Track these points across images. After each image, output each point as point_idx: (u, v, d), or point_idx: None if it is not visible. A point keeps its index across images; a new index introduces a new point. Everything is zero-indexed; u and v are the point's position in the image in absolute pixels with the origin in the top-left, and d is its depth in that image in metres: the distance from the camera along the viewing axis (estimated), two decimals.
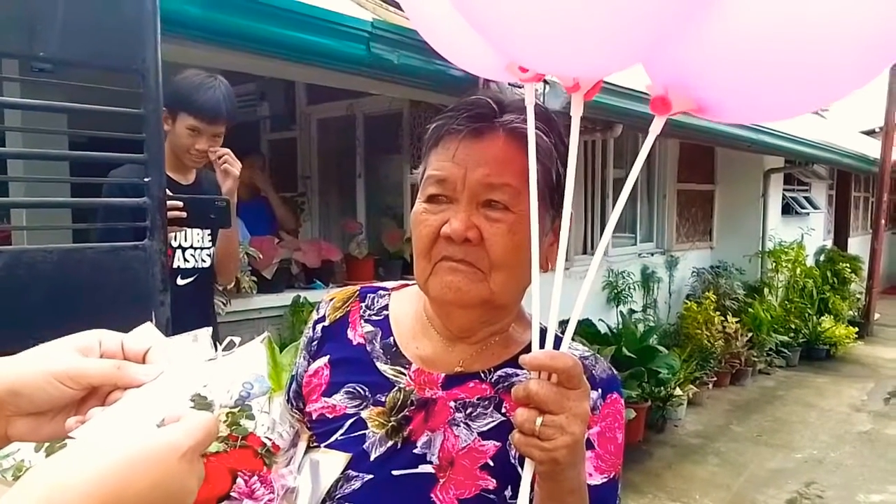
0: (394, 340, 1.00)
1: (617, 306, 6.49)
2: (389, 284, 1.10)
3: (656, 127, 0.81)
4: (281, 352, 2.73)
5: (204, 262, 2.50)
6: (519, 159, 0.88)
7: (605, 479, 0.91)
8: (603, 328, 5.78)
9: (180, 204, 2.05)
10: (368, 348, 1.00)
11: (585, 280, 0.81)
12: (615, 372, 1.00)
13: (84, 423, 0.57)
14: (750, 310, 7.55)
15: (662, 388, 5.35)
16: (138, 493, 0.49)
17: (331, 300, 1.08)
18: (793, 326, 8.10)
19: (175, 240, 2.38)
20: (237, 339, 0.73)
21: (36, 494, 0.46)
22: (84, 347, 0.63)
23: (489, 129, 0.89)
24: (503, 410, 0.93)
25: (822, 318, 8.63)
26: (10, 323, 1.42)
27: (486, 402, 0.94)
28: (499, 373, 0.96)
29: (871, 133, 14.16)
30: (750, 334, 7.17)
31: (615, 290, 6.46)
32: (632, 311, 6.61)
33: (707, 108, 0.79)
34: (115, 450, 0.50)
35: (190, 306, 2.34)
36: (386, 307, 1.05)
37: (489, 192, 0.88)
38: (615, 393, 0.96)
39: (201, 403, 0.80)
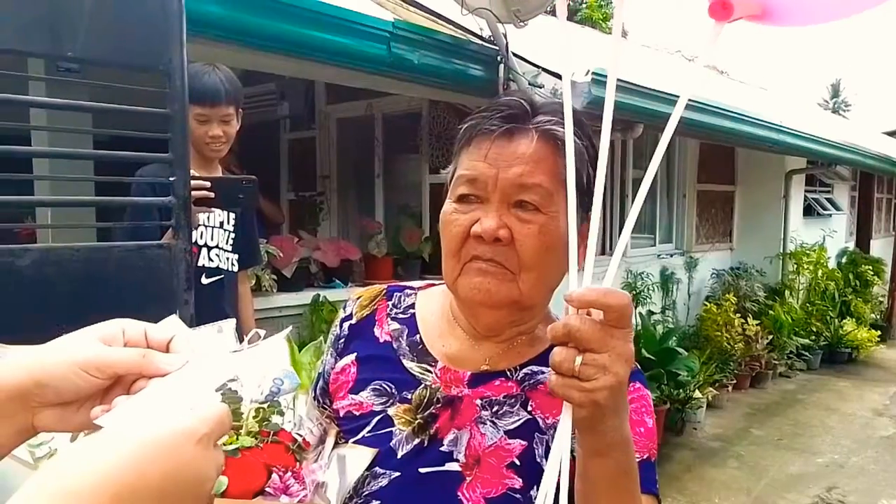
0: (420, 338, 1.01)
1: (636, 307, 6.45)
2: (416, 284, 1.10)
3: (712, 38, 0.74)
4: (300, 350, 2.75)
5: (228, 263, 2.52)
6: (551, 160, 0.88)
7: (638, 459, 0.87)
8: None
9: (207, 184, 2.07)
10: (395, 346, 1.01)
11: (605, 280, 0.79)
12: (636, 364, 0.99)
13: (109, 411, 0.57)
14: (770, 312, 7.48)
15: (682, 390, 5.32)
16: (153, 483, 0.48)
17: (358, 298, 1.08)
18: (814, 329, 8.02)
19: (201, 238, 2.40)
20: (262, 332, 0.73)
21: (47, 493, 0.45)
22: (108, 337, 0.63)
23: (522, 130, 0.89)
24: (529, 409, 0.93)
25: (844, 321, 8.53)
26: (37, 320, 1.44)
27: (513, 401, 0.94)
28: (524, 371, 0.96)
29: (894, 134, 13.98)
30: (770, 337, 7.10)
31: (634, 291, 6.42)
32: (651, 313, 6.57)
33: (772, 11, 0.73)
34: (127, 441, 0.49)
35: (213, 305, 2.36)
36: (412, 306, 1.05)
37: (521, 192, 0.88)
38: (637, 382, 0.94)
39: (232, 398, 0.80)
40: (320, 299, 3.88)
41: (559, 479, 0.73)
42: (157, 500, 0.49)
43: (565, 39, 0.83)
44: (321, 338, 1.83)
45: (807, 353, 7.77)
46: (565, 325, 0.70)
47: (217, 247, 2.47)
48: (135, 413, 0.56)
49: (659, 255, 7.18)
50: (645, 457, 0.91)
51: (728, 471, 4.91)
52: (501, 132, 0.89)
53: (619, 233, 6.53)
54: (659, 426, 5.08)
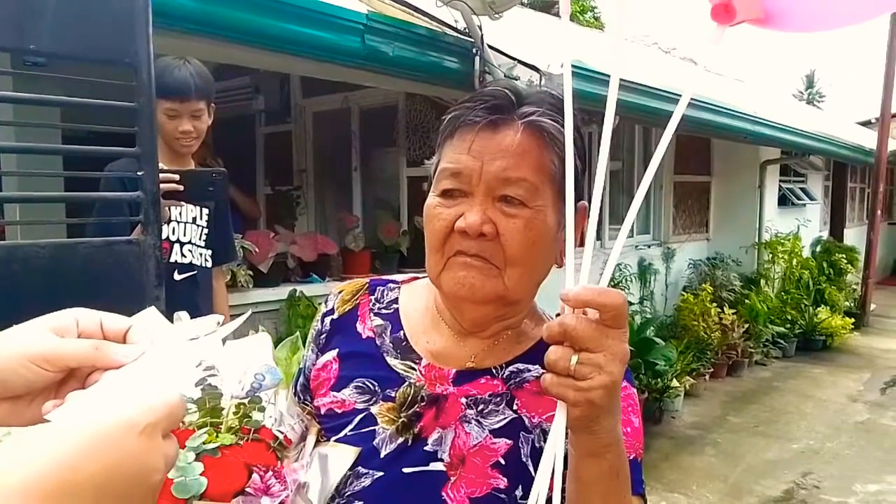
0: (404, 334, 0.98)
1: None
2: (399, 277, 1.07)
3: (714, 40, 0.74)
4: (276, 346, 2.72)
5: (202, 259, 2.49)
6: (537, 153, 0.86)
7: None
8: None
9: (176, 177, 2.04)
10: (378, 342, 0.98)
11: (602, 279, 0.78)
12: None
13: (61, 406, 0.54)
14: (746, 301, 7.57)
15: (659, 379, 5.36)
16: (89, 479, 0.45)
17: (339, 293, 1.05)
18: (789, 317, 8.11)
19: (173, 233, 2.36)
20: (220, 318, 0.71)
21: None
22: (60, 327, 0.60)
23: (507, 121, 0.87)
24: (515, 407, 0.91)
25: (819, 308, 8.65)
26: (4, 319, 1.41)
27: (498, 399, 0.92)
28: (510, 368, 0.94)
29: (867, 124, 14.20)
30: (746, 325, 7.18)
31: (612, 283, 6.44)
32: (629, 304, 6.60)
33: (773, 16, 0.73)
34: (61, 436, 0.46)
35: (187, 302, 2.32)
36: (396, 300, 1.03)
37: (505, 186, 0.85)
38: (624, 381, 0.94)
39: (212, 394, 0.78)
40: (297, 294, 3.84)
41: (552, 480, 0.72)
42: (95, 497, 0.45)
43: (565, 36, 0.82)
44: (297, 333, 1.81)
45: (782, 341, 7.86)
46: (561, 324, 0.70)
47: (190, 242, 2.43)
48: (87, 408, 0.53)
49: (636, 247, 7.22)
50: (632, 457, 0.89)
51: (705, 458, 4.96)
52: (486, 124, 0.86)
53: (598, 223, 6.57)
54: None
